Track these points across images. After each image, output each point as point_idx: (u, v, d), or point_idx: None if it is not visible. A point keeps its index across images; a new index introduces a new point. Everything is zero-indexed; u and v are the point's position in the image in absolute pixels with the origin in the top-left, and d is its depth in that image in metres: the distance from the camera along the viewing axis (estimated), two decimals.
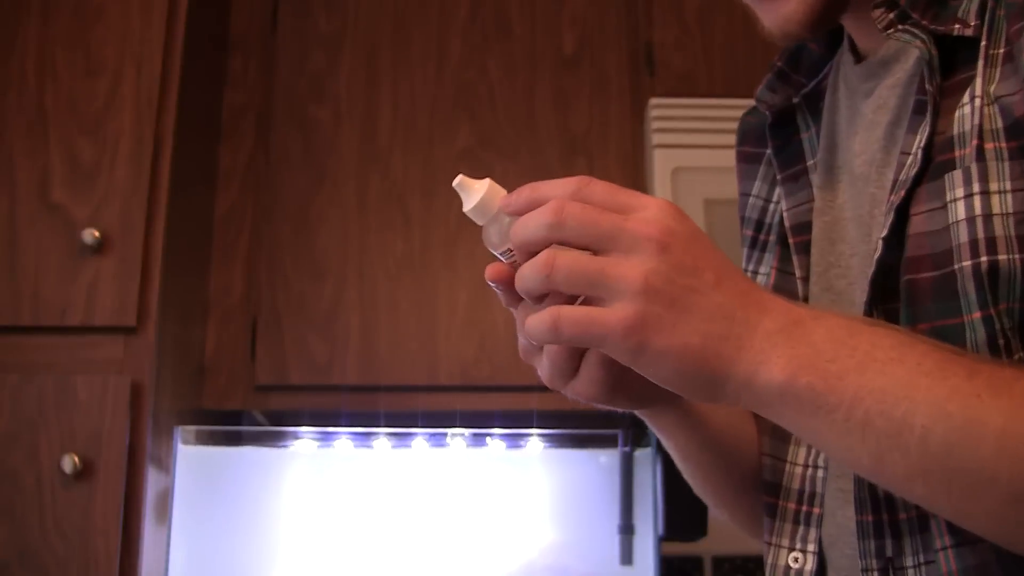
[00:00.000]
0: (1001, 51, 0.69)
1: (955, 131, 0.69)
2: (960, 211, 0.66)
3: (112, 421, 1.59)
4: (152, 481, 1.63)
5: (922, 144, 0.70)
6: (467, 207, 0.72)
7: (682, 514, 1.76)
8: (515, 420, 1.92)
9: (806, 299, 0.84)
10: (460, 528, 1.85)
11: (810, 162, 0.88)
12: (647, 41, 2.09)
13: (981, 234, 0.65)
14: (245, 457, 1.91)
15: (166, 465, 1.74)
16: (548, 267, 0.64)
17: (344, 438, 1.91)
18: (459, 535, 1.85)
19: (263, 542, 1.85)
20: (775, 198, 0.92)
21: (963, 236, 0.66)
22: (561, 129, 2.04)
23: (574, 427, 1.88)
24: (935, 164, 0.69)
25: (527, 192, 0.66)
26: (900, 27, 0.73)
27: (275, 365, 1.91)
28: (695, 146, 1.96)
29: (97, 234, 1.65)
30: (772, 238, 0.91)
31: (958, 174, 0.67)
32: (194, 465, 1.85)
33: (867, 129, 0.81)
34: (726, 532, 1.31)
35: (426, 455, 1.90)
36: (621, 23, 2.10)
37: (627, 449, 1.84)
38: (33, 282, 1.65)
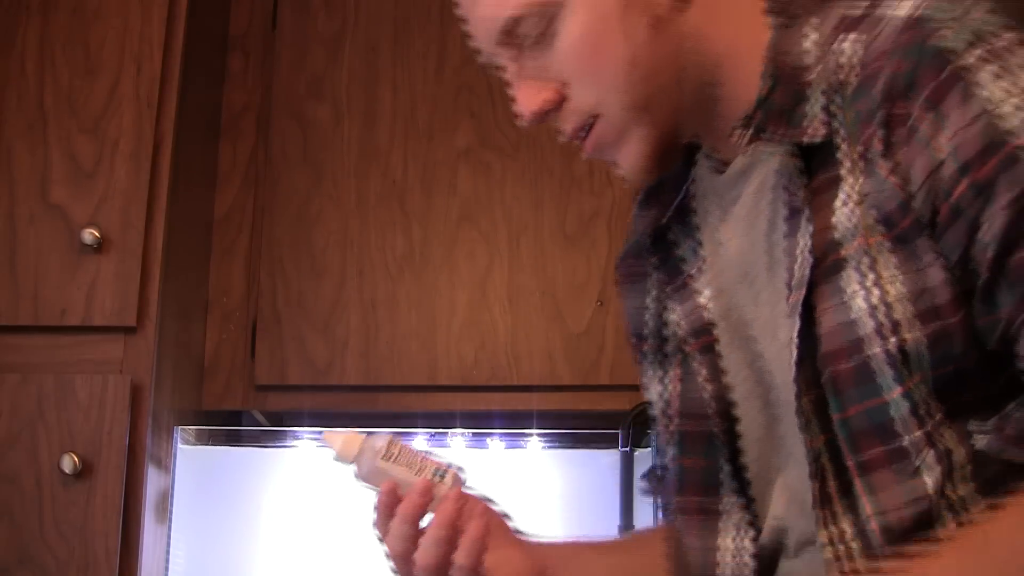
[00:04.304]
0: (859, 152, 0.77)
1: (837, 231, 0.77)
2: (861, 303, 0.75)
3: (112, 421, 1.59)
4: (152, 481, 1.63)
5: (807, 245, 0.78)
6: (338, 449, 0.92)
7: None
8: (515, 420, 1.91)
9: (721, 396, 0.89)
10: None
11: (692, 271, 0.94)
12: None
13: (884, 320, 0.74)
14: (245, 457, 1.90)
15: (166, 465, 1.74)
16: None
17: None
18: None
19: (263, 542, 1.85)
20: (665, 307, 0.96)
21: (869, 326, 0.75)
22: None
23: (574, 427, 1.88)
24: (828, 263, 0.77)
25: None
26: (759, 139, 0.81)
27: (275, 365, 1.91)
28: None
29: (97, 234, 1.65)
30: (671, 346, 0.95)
31: (852, 271, 0.76)
32: (194, 465, 1.85)
33: (743, 233, 0.87)
34: None
35: None
36: None
37: (627, 449, 1.84)
38: (33, 282, 1.65)
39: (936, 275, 0.74)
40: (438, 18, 2.09)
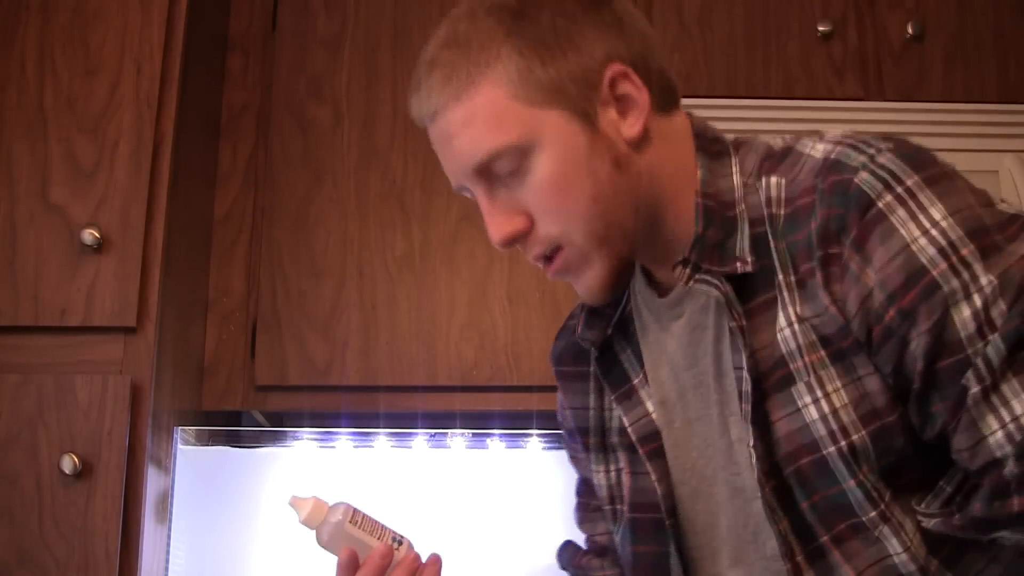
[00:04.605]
0: (793, 279, 0.89)
1: (783, 349, 0.89)
2: (813, 413, 0.88)
3: (112, 421, 1.59)
4: (152, 481, 1.63)
5: (743, 364, 0.90)
6: (302, 516, 1.01)
7: None
8: (515, 420, 1.91)
9: (670, 493, 1.01)
10: (460, 528, 1.85)
11: (635, 380, 1.05)
12: None
13: (834, 426, 0.87)
14: (245, 457, 1.90)
15: (166, 465, 1.74)
16: None
17: (344, 438, 1.91)
18: (459, 535, 1.85)
19: (262, 542, 1.85)
20: (607, 407, 1.08)
21: (822, 430, 0.87)
22: None
23: None
24: (777, 377, 0.90)
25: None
26: (696, 278, 0.92)
27: (275, 365, 1.91)
28: None
29: (97, 234, 1.65)
30: (615, 440, 1.06)
31: (803, 386, 0.88)
32: (194, 465, 1.85)
33: (690, 346, 0.98)
34: None
35: (426, 455, 1.90)
36: None
37: None
38: (33, 282, 1.64)
39: (872, 384, 0.87)
40: (438, 18, 2.08)
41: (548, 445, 1.89)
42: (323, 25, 2.08)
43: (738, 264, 0.91)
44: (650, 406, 1.03)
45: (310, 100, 2.04)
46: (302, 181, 2.00)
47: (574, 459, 1.18)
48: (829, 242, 0.86)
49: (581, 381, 1.11)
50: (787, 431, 0.89)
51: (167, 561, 1.73)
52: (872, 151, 0.87)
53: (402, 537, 1.03)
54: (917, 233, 0.83)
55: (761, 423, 0.90)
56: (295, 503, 1.02)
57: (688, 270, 0.93)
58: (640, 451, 1.02)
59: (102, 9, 1.76)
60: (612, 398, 1.05)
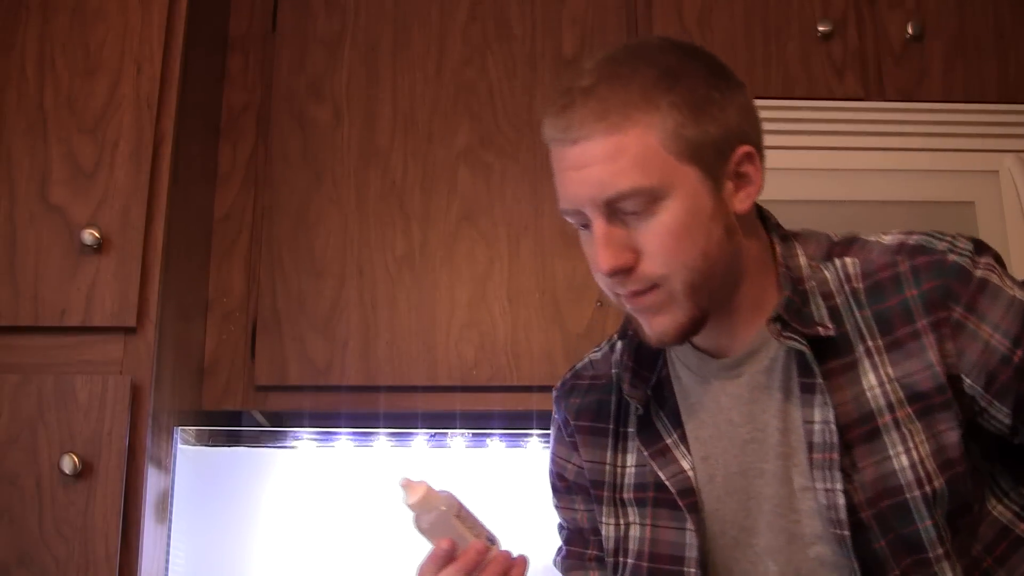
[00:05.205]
0: (882, 343, 1.02)
1: (872, 405, 1.01)
2: (904, 461, 1.00)
3: (112, 421, 1.59)
4: (152, 481, 1.63)
5: (830, 419, 1.01)
6: (411, 501, 1.02)
7: None
8: (515, 420, 1.91)
9: (704, 545, 1.09)
10: None
11: (668, 440, 1.13)
12: None
13: (921, 473, 0.99)
14: (245, 457, 1.90)
15: (166, 465, 1.74)
16: None
17: (344, 438, 1.91)
18: None
19: (263, 542, 1.85)
20: (619, 463, 1.17)
21: (910, 476, 0.99)
22: None
23: None
24: (865, 429, 1.01)
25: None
26: (784, 334, 1.02)
27: (275, 365, 1.91)
28: None
29: (97, 234, 1.65)
30: (627, 496, 1.15)
31: (895, 436, 1.00)
32: (194, 465, 1.85)
33: (748, 404, 1.08)
34: None
35: (426, 455, 1.90)
36: (621, 23, 2.10)
37: None
38: (33, 282, 1.65)
39: (950, 438, 1.00)
40: (438, 18, 2.09)
41: (548, 445, 1.88)
42: (323, 25, 2.08)
43: (819, 329, 1.03)
44: (685, 464, 1.11)
45: (310, 100, 2.04)
46: (302, 181, 2.00)
47: (567, 509, 1.26)
48: (936, 308, 1.00)
49: (600, 436, 1.19)
50: (874, 476, 1.00)
51: (167, 561, 1.73)
52: (949, 238, 1.04)
53: (495, 536, 1.08)
54: (1017, 290, 1.01)
55: (845, 470, 1.01)
56: (407, 485, 1.03)
57: (779, 326, 1.03)
58: (682, 503, 1.09)
59: (102, 9, 1.76)
60: (647, 454, 1.13)
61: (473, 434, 1.89)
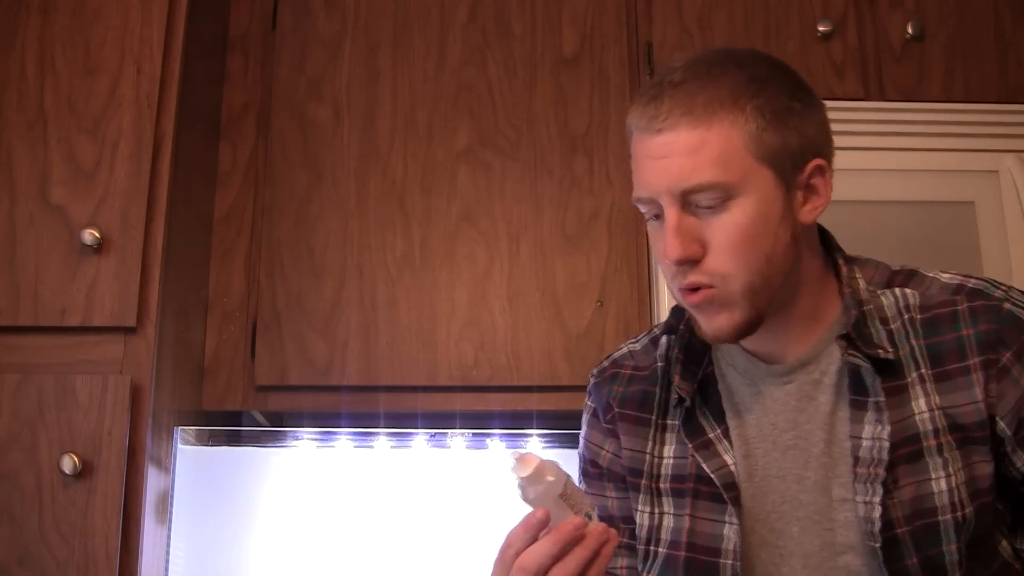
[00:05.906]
0: (932, 372, 1.07)
1: (919, 428, 1.06)
2: (943, 485, 1.04)
3: (112, 421, 1.59)
4: (152, 481, 1.63)
5: (883, 435, 1.05)
6: (523, 474, 1.02)
7: None
8: (515, 420, 1.91)
9: (741, 538, 1.11)
10: (460, 528, 1.85)
11: (712, 434, 1.15)
12: (647, 41, 2.09)
13: (956, 499, 1.04)
14: (245, 457, 1.90)
15: (166, 465, 1.74)
16: None
17: (344, 438, 1.91)
18: (459, 535, 1.85)
19: (263, 542, 1.85)
20: (658, 454, 1.19)
21: (946, 500, 1.04)
22: (561, 128, 2.04)
23: (574, 427, 1.87)
24: (909, 451, 1.05)
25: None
26: (850, 352, 1.07)
27: (275, 365, 1.91)
28: None
29: (97, 234, 1.65)
30: (664, 486, 1.17)
31: (938, 460, 1.05)
32: (194, 465, 1.85)
33: (795, 412, 1.12)
34: None
35: (426, 455, 1.90)
36: (621, 23, 2.10)
37: None
38: (33, 282, 1.65)
39: (983, 469, 1.05)
40: (438, 18, 2.09)
41: (548, 445, 1.89)
42: (323, 25, 2.08)
43: (880, 351, 1.07)
44: (728, 459, 1.13)
45: (310, 100, 2.04)
46: (302, 181, 2.00)
47: (598, 496, 1.26)
48: (988, 350, 1.05)
49: (643, 426, 1.21)
50: (912, 495, 1.05)
51: (167, 561, 1.73)
52: (1005, 288, 1.10)
53: (593, 512, 1.06)
54: None
55: (887, 486, 1.05)
56: (521, 458, 1.03)
57: (845, 343, 1.08)
58: (727, 496, 1.11)
59: (102, 9, 1.76)
60: (690, 446, 1.15)
61: (473, 434, 1.89)
